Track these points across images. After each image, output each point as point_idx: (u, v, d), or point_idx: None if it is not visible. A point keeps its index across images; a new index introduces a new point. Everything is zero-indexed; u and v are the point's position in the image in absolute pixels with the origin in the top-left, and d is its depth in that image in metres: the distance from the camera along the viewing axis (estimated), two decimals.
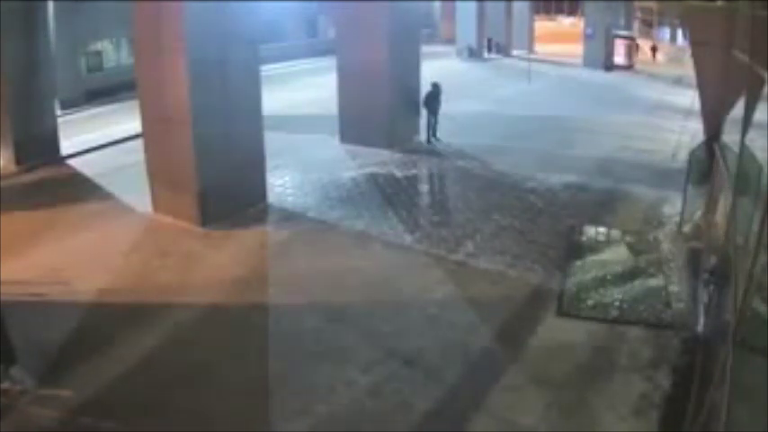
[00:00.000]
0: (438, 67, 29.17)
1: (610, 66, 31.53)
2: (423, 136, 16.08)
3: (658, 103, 23.08)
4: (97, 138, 15.78)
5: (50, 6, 15.74)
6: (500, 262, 9.45)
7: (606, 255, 9.76)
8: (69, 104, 19.12)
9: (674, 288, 8.68)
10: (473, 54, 33.54)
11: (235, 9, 10.62)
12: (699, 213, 10.22)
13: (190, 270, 9.16)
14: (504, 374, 6.85)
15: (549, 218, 11.23)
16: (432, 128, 15.89)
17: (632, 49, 33.13)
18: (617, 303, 8.28)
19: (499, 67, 31.70)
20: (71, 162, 14.31)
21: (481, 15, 34.07)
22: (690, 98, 19.69)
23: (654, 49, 34.36)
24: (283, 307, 8.17)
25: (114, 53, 22.10)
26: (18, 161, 13.56)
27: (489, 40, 34.68)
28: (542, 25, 43.34)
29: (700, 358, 6.83)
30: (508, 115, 19.68)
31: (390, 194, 12.38)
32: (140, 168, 11.40)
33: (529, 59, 28.41)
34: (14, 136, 13.54)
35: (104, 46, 21.83)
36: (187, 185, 10.63)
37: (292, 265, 9.37)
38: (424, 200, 12.52)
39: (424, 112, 15.76)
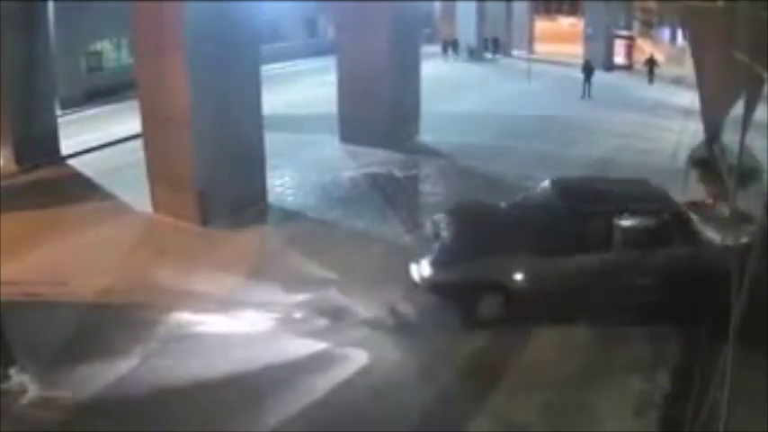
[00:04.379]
0: (438, 66, 29.29)
1: (610, 66, 31.47)
2: (423, 136, 16.14)
3: (658, 103, 23.07)
4: (97, 138, 15.78)
5: (50, 6, 15.73)
6: None
7: None
8: (69, 104, 19.11)
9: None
10: (473, 54, 33.56)
11: (235, 9, 10.62)
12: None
13: (190, 270, 9.16)
14: (504, 377, 6.86)
15: None
16: (588, 88, 23.55)
17: (632, 49, 33.06)
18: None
19: (499, 66, 31.70)
20: (71, 162, 14.31)
21: (481, 15, 34.08)
22: (690, 98, 19.71)
23: (651, 62, 29.12)
24: (283, 307, 8.16)
25: (114, 53, 22.09)
26: (18, 161, 13.54)
27: (486, 40, 34.68)
28: (542, 25, 43.31)
29: (700, 358, 6.84)
30: (508, 115, 19.67)
31: (390, 194, 12.38)
32: (140, 168, 11.40)
33: (529, 59, 28.39)
34: (14, 136, 13.53)
35: (104, 46, 21.83)
36: (187, 185, 10.63)
37: (292, 264, 9.36)
38: (424, 200, 12.51)
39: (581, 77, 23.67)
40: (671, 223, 7.87)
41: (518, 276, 7.58)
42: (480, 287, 7.59)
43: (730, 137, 9.78)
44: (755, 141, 8.65)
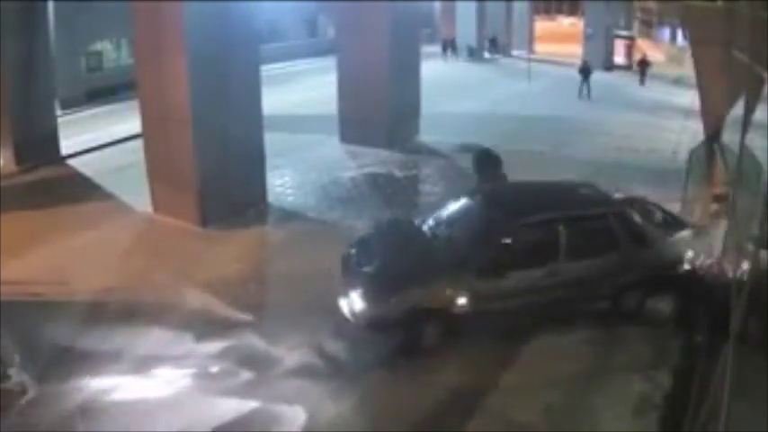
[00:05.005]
0: (438, 66, 29.28)
1: (610, 66, 31.47)
2: (423, 136, 16.16)
3: (658, 103, 23.06)
4: (97, 138, 15.78)
5: (50, 6, 15.72)
6: None
7: None
8: (69, 104, 19.10)
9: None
10: (473, 54, 33.57)
11: (235, 9, 10.62)
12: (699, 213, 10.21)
13: (189, 270, 9.16)
14: (506, 375, 6.88)
15: None
16: (587, 89, 23.25)
17: (632, 49, 33.07)
18: None
19: (499, 66, 31.70)
20: (71, 162, 14.29)
21: (481, 15, 34.09)
22: (690, 98, 19.70)
23: (644, 62, 28.14)
24: (283, 307, 8.16)
25: (114, 53, 22.09)
26: (18, 161, 13.54)
27: (486, 40, 34.71)
28: (542, 25, 43.31)
29: (700, 358, 6.84)
30: (508, 115, 19.66)
31: (390, 194, 12.38)
32: (140, 168, 11.40)
33: (529, 59, 28.39)
34: (14, 136, 13.52)
35: (104, 46, 21.83)
36: (187, 185, 10.62)
37: (292, 264, 9.36)
38: (424, 200, 12.50)
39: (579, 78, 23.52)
40: (616, 226, 7.61)
41: (462, 300, 6.99)
42: (422, 317, 6.93)
43: (730, 137, 9.78)
44: (755, 141, 8.65)
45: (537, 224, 7.47)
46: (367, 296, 7.01)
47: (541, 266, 7.28)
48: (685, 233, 8.20)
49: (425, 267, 7.35)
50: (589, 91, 23.38)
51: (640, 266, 7.64)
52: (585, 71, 23.67)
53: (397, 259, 7.62)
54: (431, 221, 8.29)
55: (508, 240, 7.21)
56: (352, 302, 7.10)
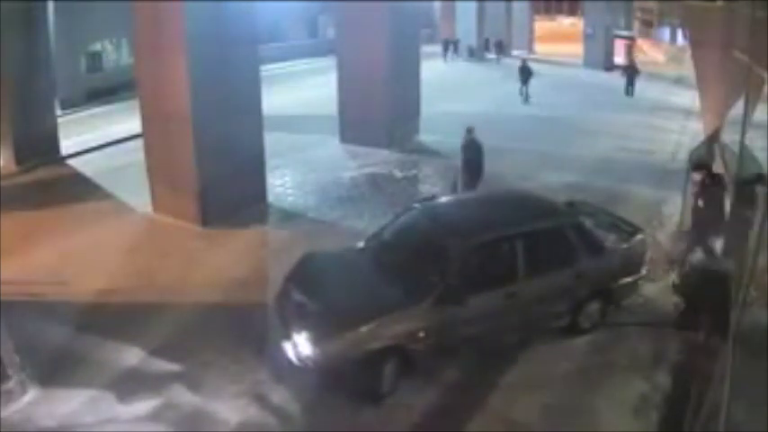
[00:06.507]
0: (438, 66, 29.30)
1: (610, 66, 31.51)
2: (423, 136, 16.15)
3: (658, 103, 23.06)
4: (97, 138, 15.78)
5: (50, 6, 15.73)
6: None
7: None
8: (69, 104, 19.11)
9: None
10: (473, 54, 33.58)
11: (235, 9, 10.63)
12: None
13: (190, 270, 9.15)
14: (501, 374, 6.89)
15: None
16: (526, 92, 22.11)
17: (632, 49, 33.10)
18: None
19: (499, 66, 31.69)
20: (71, 162, 14.30)
21: (481, 15, 34.11)
22: (690, 98, 19.71)
23: (632, 68, 25.11)
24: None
25: (114, 53, 22.11)
26: (18, 161, 13.54)
27: (486, 40, 34.72)
28: (542, 25, 43.32)
29: (700, 358, 6.84)
30: (508, 115, 19.67)
31: (390, 194, 12.38)
32: (140, 168, 11.40)
33: (529, 59, 28.38)
34: (14, 136, 13.53)
35: (104, 46, 21.84)
36: (187, 185, 10.63)
37: (292, 264, 9.34)
38: None
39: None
40: (573, 237, 7.30)
41: (421, 334, 6.33)
42: (378, 357, 6.20)
43: (730, 137, 9.79)
44: (755, 141, 8.66)
45: (493, 242, 6.94)
46: (314, 339, 6.24)
47: (501, 287, 6.77)
48: (639, 237, 8.08)
49: (376, 301, 6.52)
50: (527, 94, 22.22)
51: (598, 277, 7.43)
52: (525, 72, 22.35)
53: (344, 294, 6.77)
54: (372, 245, 7.59)
55: (464, 263, 6.62)
56: (298, 346, 6.36)
